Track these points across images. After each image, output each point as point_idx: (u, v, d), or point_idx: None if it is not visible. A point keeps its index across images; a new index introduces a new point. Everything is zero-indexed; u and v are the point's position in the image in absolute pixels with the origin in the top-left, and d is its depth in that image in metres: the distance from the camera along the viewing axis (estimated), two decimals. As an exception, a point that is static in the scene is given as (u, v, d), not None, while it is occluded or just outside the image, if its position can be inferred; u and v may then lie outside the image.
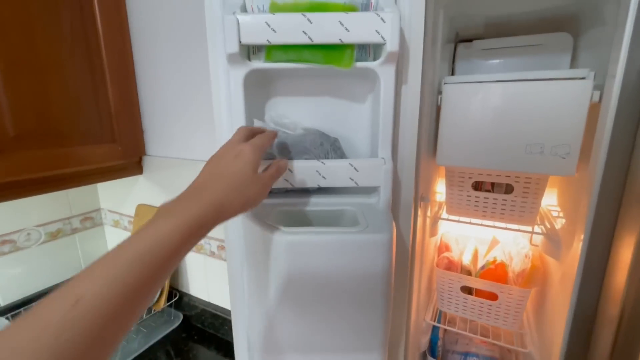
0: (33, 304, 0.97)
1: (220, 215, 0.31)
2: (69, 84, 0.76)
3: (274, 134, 0.42)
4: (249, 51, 0.42)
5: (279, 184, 0.42)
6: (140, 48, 0.89)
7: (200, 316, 0.99)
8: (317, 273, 0.35)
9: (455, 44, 0.78)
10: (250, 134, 0.39)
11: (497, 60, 0.76)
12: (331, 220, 0.42)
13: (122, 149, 0.89)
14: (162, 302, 0.97)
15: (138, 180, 1.02)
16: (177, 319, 0.99)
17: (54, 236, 1.04)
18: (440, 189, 0.86)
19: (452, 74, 0.78)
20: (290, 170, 0.42)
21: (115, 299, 0.23)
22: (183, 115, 0.87)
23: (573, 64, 0.67)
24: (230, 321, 0.93)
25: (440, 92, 0.59)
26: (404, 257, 0.49)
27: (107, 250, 0.26)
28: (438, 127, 0.60)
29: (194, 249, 0.98)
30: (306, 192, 0.47)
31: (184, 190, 0.33)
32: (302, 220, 0.42)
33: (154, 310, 0.97)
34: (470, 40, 0.77)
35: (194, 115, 0.85)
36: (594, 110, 0.49)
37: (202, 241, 0.94)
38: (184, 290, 1.03)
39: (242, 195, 0.33)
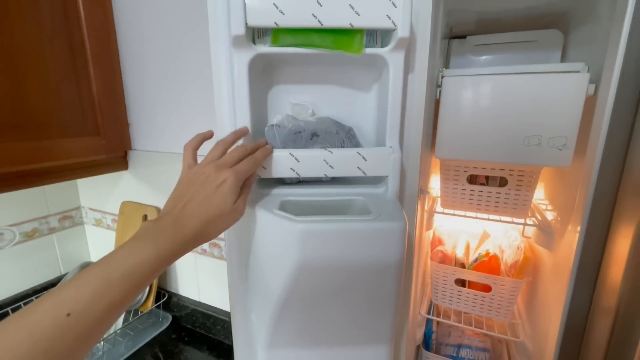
0: (7, 308, 0.90)
1: (195, 244, 0.34)
2: (48, 71, 0.71)
3: (266, 154, 0.40)
4: (254, 35, 0.41)
5: (284, 173, 0.41)
6: (125, 32, 0.84)
7: (191, 316, 0.96)
8: (330, 264, 0.34)
9: (449, 40, 0.79)
10: (225, 149, 0.39)
11: (490, 56, 0.78)
12: (339, 210, 0.41)
13: (106, 143, 0.84)
14: (150, 303, 0.93)
15: (123, 176, 0.97)
16: (166, 320, 0.95)
17: (29, 236, 0.97)
18: (433, 184, 0.87)
19: (447, 68, 0.79)
20: (297, 160, 0.40)
21: (101, 313, 0.27)
22: (175, 106, 0.83)
23: (563, 60, 0.70)
24: (223, 321, 0.91)
25: (439, 86, 0.59)
26: (409, 249, 0.49)
27: (90, 257, 0.32)
28: (436, 121, 0.61)
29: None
30: (309, 183, 0.45)
31: (164, 212, 0.35)
32: (309, 210, 0.40)
33: (141, 312, 0.92)
34: (463, 37, 0.78)
35: (187, 105, 0.81)
36: (588, 103, 0.50)
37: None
38: (173, 290, 0.99)
39: (219, 227, 0.35)
